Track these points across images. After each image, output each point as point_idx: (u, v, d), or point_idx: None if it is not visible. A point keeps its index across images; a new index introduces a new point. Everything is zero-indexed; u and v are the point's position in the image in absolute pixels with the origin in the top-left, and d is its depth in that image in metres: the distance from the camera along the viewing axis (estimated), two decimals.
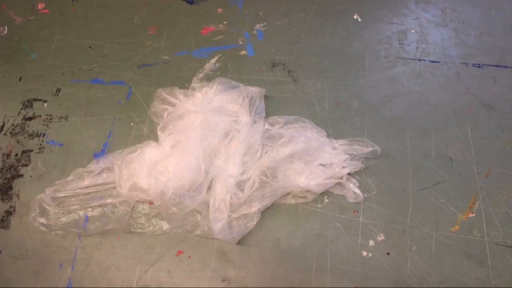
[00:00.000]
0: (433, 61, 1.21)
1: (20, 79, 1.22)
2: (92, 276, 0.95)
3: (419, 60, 1.21)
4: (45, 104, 1.18)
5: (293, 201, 1.01)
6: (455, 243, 0.95)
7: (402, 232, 0.97)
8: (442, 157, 1.06)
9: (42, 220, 0.99)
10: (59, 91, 1.20)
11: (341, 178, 1.01)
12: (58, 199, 1.01)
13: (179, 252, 0.97)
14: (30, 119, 1.16)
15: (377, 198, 1.01)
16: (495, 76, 1.18)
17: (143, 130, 1.12)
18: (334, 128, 1.10)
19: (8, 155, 1.11)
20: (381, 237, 0.97)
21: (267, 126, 1.07)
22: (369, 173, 1.04)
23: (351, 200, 1.00)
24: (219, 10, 1.33)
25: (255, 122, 1.07)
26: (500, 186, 1.01)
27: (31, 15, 1.35)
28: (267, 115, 1.10)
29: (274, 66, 1.22)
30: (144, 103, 1.16)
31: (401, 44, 1.24)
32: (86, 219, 1.00)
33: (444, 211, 0.99)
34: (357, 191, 1.00)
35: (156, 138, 1.08)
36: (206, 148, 1.01)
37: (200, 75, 1.20)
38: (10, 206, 1.04)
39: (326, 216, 0.99)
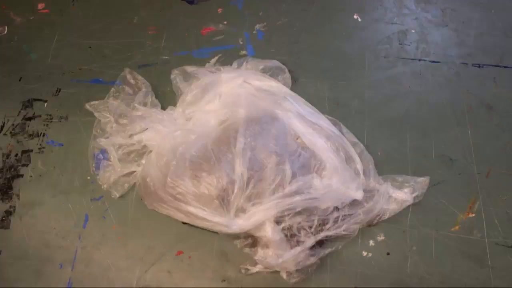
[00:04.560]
0: (433, 61, 1.21)
1: (20, 79, 1.22)
2: (92, 276, 0.95)
3: (419, 60, 1.21)
4: (45, 104, 1.18)
5: None
6: (455, 243, 0.95)
7: (402, 232, 0.97)
8: (442, 157, 1.06)
9: None
10: (59, 91, 1.20)
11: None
12: None
13: (179, 252, 0.97)
14: (30, 119, 1.16)
15: None
16: (495, 76, 1.17)
17: None
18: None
19: (8, 155, 1.11)
20: (381, 237, 0.96)
21: None
22: None
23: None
24: (219, 10, 1.33)
25: None
26: (500, 186, 1.01)
27: (31, 15, 1.35)
28: None
29: None
30: None
31: (401, 44, 1.24)
32: (86, 219, 1.01)
33: (444, 211, 0.99)
34: None
35: None
36: None
37: None
38: (10, 206, 1.04)
39: None
